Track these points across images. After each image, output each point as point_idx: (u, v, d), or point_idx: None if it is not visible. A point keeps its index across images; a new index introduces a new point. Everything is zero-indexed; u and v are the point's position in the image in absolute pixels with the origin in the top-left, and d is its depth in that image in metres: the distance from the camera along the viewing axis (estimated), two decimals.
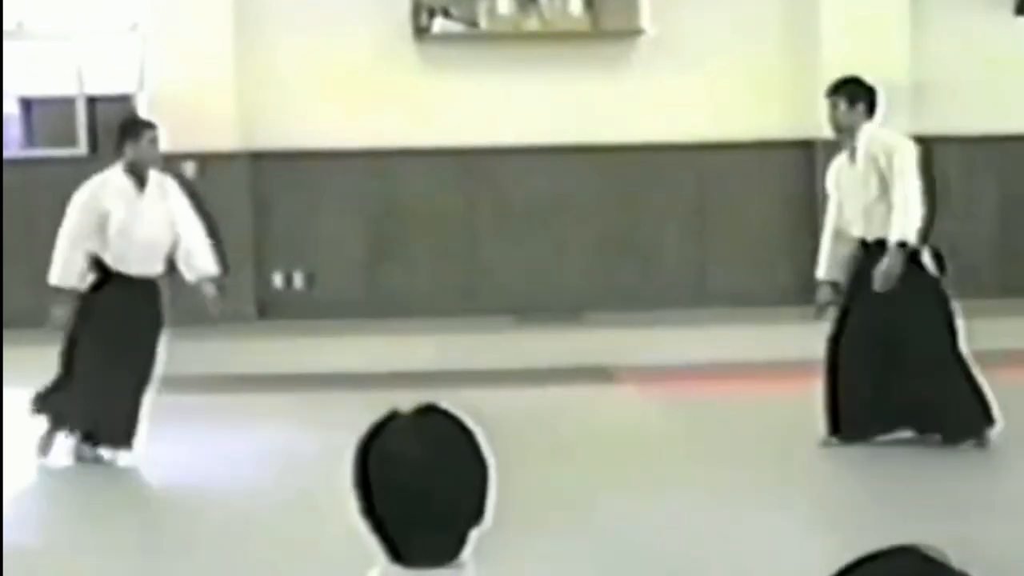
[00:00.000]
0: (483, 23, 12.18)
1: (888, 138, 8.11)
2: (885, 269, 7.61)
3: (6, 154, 12.41)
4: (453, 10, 12.18)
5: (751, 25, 12.33)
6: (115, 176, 7.94)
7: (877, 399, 7.65)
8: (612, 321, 11.78)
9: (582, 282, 12.17)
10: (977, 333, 11.01)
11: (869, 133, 8.03)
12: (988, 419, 7.78)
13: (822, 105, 12.43)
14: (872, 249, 7.83)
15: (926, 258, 7.83)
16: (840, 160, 8.15)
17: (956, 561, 1.80)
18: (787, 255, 12.56)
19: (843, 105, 8.09)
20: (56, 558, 6.09)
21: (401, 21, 12.13)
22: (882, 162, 7.87)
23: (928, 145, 12.53)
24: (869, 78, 12.25)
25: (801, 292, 12.50)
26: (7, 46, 12.39)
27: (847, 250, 8.00)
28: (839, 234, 8.07)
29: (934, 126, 12.42)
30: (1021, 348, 10.33)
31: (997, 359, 9.83)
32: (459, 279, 12.35)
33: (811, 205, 12.52)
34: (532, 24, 12.24)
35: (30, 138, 12.78)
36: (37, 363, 10.64)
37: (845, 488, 6.94)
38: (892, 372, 7.64)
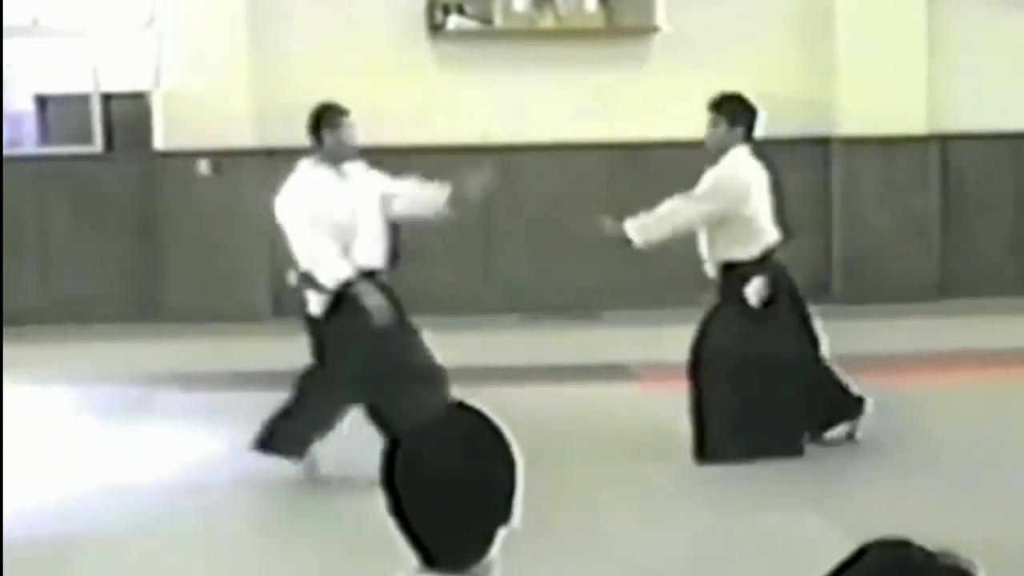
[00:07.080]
0: (498, 20, 12.18)
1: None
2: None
3: (22, 151, 12.44)
4: (468, 7, 12.18)
5: (766, 22, 12.31)
6: (311, 170, 7.44)
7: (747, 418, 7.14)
8: (629, 318, 11.76)
9: (599, 279, 12.14)
10: (996, 331, 11.02)
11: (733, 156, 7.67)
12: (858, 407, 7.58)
13: (838, 102, 12.55)
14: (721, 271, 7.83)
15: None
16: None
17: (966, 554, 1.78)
18: (801, 252, 12.52)
19: (724, 125, 7.80)
20: (96, 553, 6.09)
21: (416, 18, 12.13)
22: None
23: (945, 142, 12.58)
24: (886, 74, 12.35)
25: (816, 289, 12.53)
26: (22, 43, 12.42)
27: None
28: None
29: (950, 123, 12.41)
30: None
31: (1016, 357, 9.83)
32: (475, 276, 12.34)
33: (826, 202, 12.51)
34: (547, 21, 12.23)
35: (45, 135, 12.81)
36: (46, 359, 10.72)
37: (864, 484, 6.91)
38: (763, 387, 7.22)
